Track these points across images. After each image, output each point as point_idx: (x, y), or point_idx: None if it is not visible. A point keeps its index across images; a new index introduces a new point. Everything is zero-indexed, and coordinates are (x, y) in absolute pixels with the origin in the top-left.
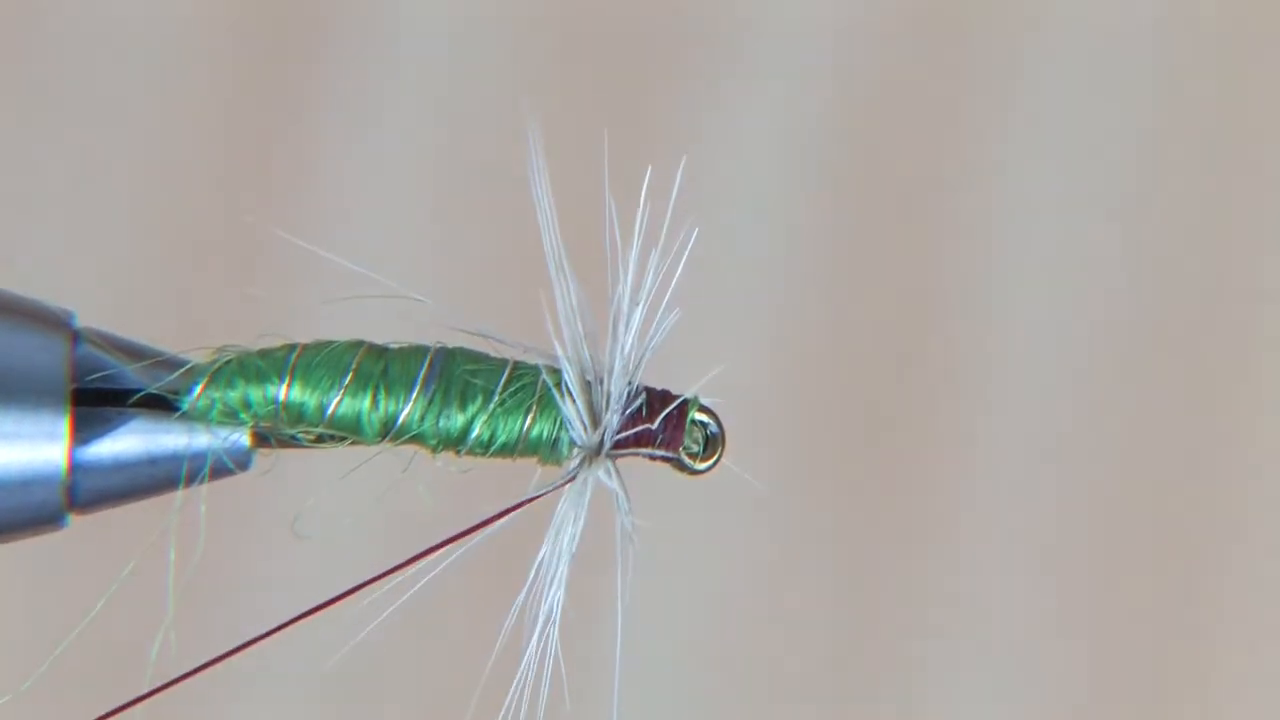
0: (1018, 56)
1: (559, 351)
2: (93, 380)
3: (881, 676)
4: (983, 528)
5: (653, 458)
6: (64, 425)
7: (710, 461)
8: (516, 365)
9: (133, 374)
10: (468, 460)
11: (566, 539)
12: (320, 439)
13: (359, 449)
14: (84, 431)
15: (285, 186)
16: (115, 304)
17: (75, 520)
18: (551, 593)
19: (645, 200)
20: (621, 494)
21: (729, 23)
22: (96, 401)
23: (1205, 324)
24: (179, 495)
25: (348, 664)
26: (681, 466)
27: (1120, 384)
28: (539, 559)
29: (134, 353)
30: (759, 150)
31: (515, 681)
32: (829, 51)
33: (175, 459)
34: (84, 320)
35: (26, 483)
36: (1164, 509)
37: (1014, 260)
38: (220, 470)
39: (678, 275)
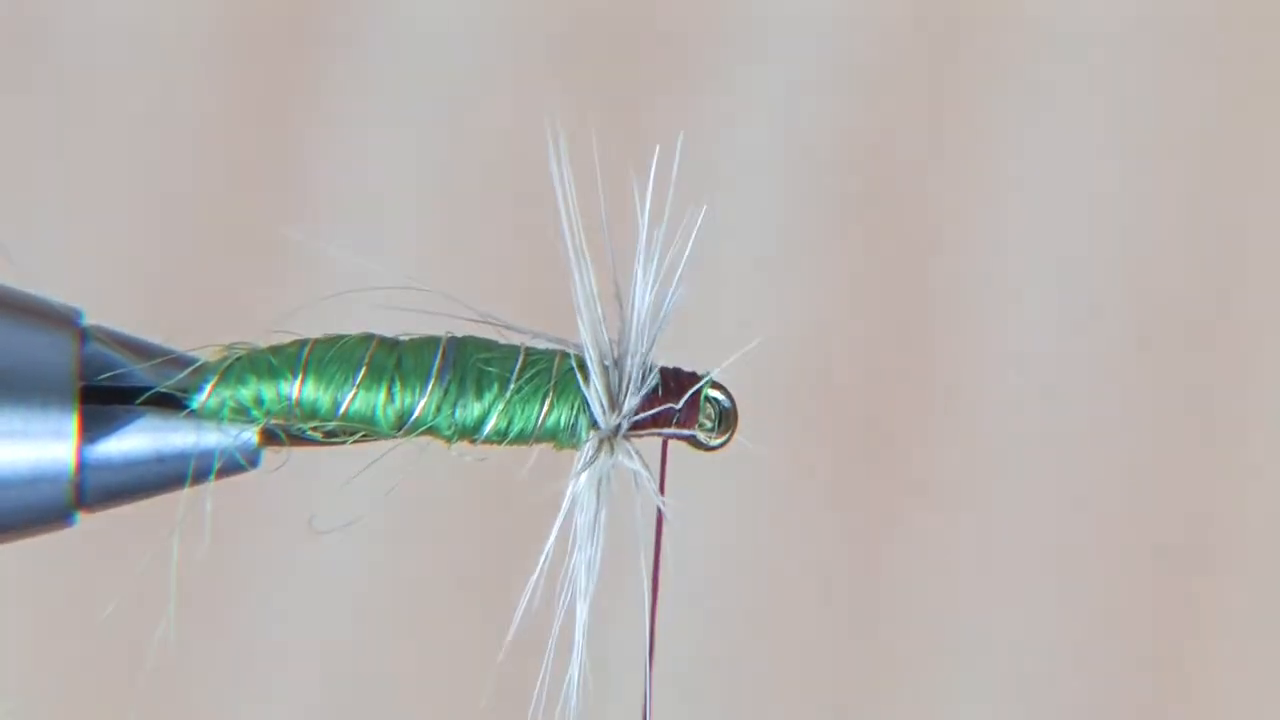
0: (1021, 52)
1: (582, 336)
2: (101, 378)
3: (883, 675)
4: (986, 526)
5: (668, 436)
6: (72, 423)
7: (725, 437)
8: (530, 352)
9: (141, 372)
10: (483, 449)
11: (592, 524)
12: (331, 435)
13: (369, 445)
14: (92, 429)
15: (289, 183)
16: (122, 302)
17: (83, 518)
18: (580, 578)
19: (651, 180)
20: (645, 473)
21: (734, 16)
22: (105, 400)
23: (1207, 321)
24: (186, 492)
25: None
26: (697, 444)
27: (1124, 377)
28: (548, 548)
29: (142, 351)
30: (763, 145)
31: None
32: (834, 44)
33: (184, 457)
34: (91, 318)
35: (35, 480)
36: (1168, 505)
37: (1017, 246)
38: (229, 468)
39: (687, 253)
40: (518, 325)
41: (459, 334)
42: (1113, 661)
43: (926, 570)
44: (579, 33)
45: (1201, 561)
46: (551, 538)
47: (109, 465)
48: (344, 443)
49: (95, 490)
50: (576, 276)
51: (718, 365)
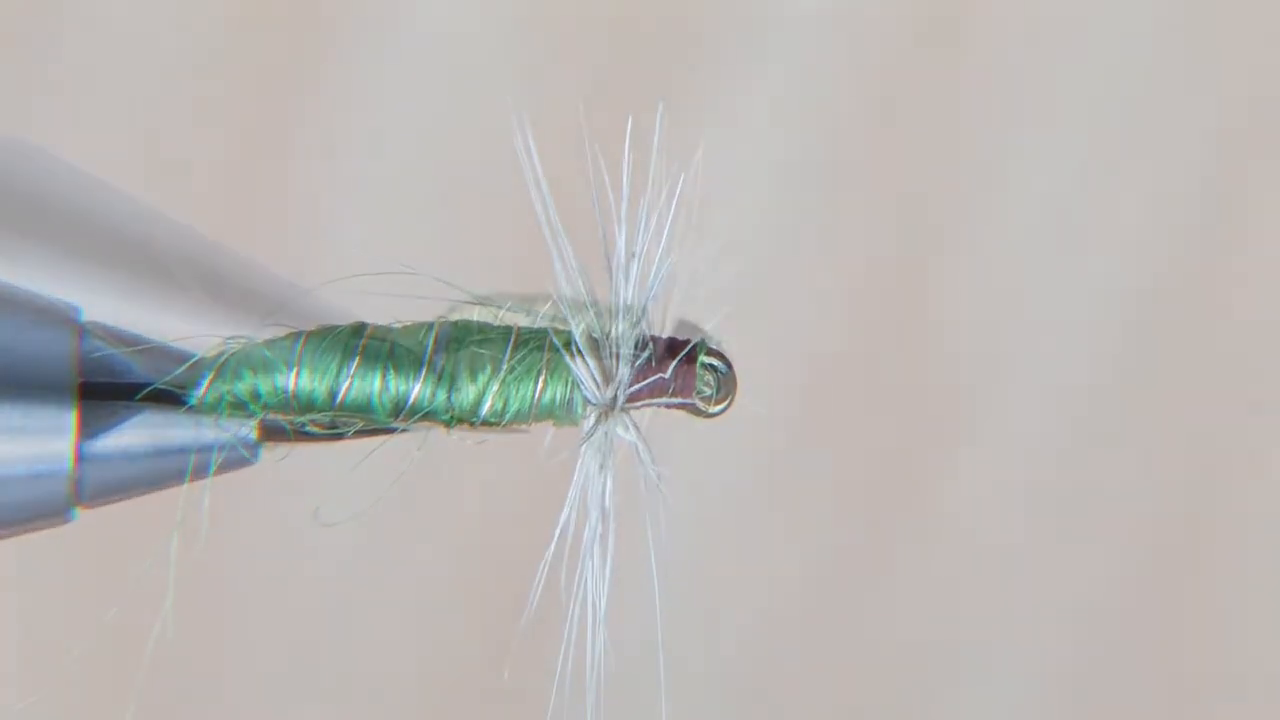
0: (1026, 51)
1: (564, 311)
2: (99, 375)
3: (883, 672)
4: (989, 525)
5: (668, 406)
6: (71, 419)
7: (724, 403)
8: (521, 331)
9: (139, 368)
10: (482, 432)
11: (599, 498)
12: (332, 427)
13: (367, 441)
14: (91, 425)
15: (283, 178)
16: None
17: (82, 513)
18: (593, 554)
19: (629, 150)
20: (642, 446)
21: (735, 16)
22: (103, 396)
23: (1215, 321)
24: (185, 488)
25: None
26: (697, 411)
27: (1128, 375)
28: (562, 522)
29: (140, 347)
30: (765, 144)
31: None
32: (837, 43)
33: (182, 452)
34: (89, 315)
35: (34, 476)
36: (1169, 505)
37: (1021, 245)
38: (229, 463)
39: (670, 221)
40: (513, 304)
41: (454, 319)
42: (1115, 664)
43: (927, 570)
44: (579, 31)
45: (1204, 564)
46: (562, 520)
47: (108, 461)
48: (345, 434)
49: (94, 486)
50: (554, 252)
51: (720, 362)
